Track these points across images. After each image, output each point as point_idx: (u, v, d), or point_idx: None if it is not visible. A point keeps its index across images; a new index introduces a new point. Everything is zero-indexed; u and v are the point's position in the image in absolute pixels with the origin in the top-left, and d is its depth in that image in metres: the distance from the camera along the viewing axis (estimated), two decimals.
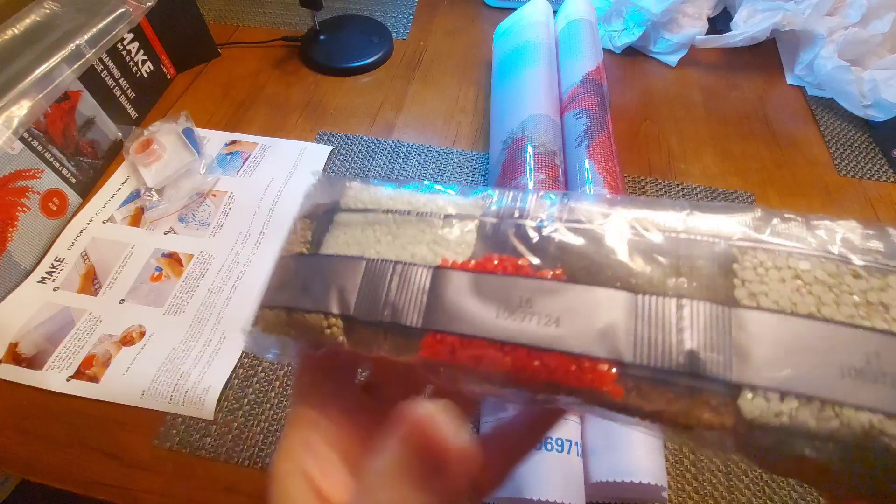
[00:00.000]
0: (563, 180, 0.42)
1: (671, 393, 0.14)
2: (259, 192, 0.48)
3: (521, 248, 0.17)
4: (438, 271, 0.17)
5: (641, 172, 0.51)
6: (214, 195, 0.48)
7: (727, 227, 0.16)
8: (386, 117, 0.56)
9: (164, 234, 0.45)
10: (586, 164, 0.41)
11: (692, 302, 0.15)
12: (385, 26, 0.65)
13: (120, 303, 0.41)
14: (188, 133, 0.50)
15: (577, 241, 0.17)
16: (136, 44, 0.53)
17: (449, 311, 0.16)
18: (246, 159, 0.51)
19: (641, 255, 0.16)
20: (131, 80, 0.53)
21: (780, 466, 0.14)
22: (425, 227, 0.18)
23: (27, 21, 0.46)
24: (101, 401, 0.37)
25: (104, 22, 0.48)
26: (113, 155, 0.51)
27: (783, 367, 0.14)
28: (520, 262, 0.17)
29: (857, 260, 0.14)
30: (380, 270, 0.18)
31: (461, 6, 0.70)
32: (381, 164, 0.51)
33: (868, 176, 0.52)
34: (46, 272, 0.43)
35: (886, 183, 0.51)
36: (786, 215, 0.16)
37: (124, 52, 0.52)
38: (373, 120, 0.56)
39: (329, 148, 0.52)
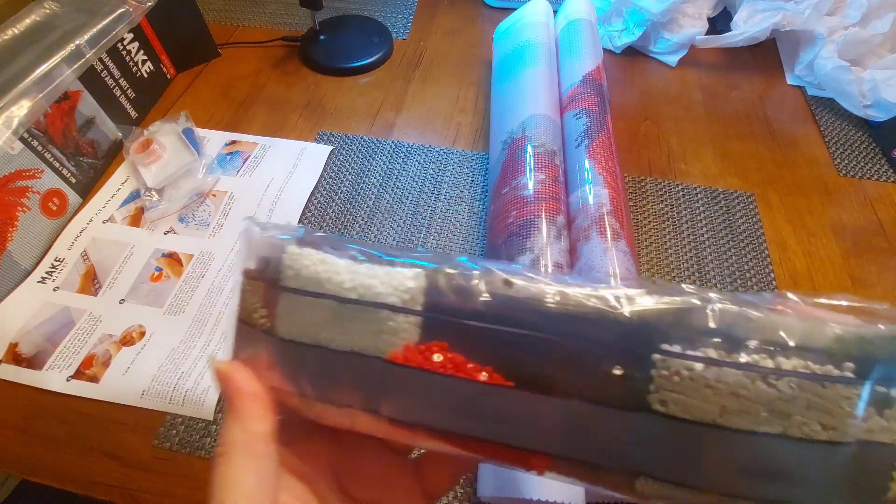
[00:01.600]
0: (562, 180, 0.42)
1: (585, 471, 0.17)
2: (259, 192, 0.48)
3: (464, 344, 0.17)
4: (386, 364, 0.17)
5: (641, 172, 0.51)
6: (214, 195, 0.48)
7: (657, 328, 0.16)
8: (386, 117, 0.56)
9: (164, 234, 0.45)
10: (586, 164, 0.41)
11: (608, 411, 0.16)
12: (385, 26, 0.65)
13: (120, 303, 0.41)
14: (188, 133, 0.50)
15: (520, 342, 0.17)
16: (136, 44, 0.53)
17: (403, 402, 0.17)
18: (246, 159, 0.51)
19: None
20: (131, 80, 0.53)
21: None
22: (370, 316, 0.17)
23: (27, 21, 0.46)
24: (101, 401, 0.37)
25: (104, 22, 0.48)
26: (113, 155, 0.51)
27: (672, 461, 0.16)
28: (465, 363, 0.17)
29: (783, 367, 0.15)
30: (334, 360, 0.18)
31: (461, 6, 0.70)
32: (381, 164, 0.51)
33: (868, 176, 0.52)
34: (46, 272, 0.43)
35: (886, 183, 0.51)
36: (716, 306, 0.16)
37: (124, 52, 0.52)
38: (373, 120, 0.56)
39: (329, 148, 0.52)
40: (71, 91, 0.46)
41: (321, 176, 0.50)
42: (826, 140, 0.55)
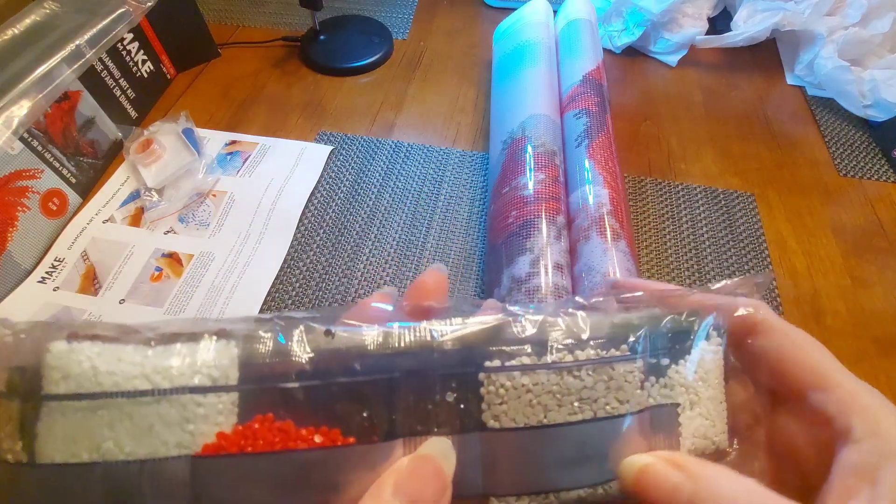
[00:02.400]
0: (562, 180, 0.42)
1: None
2: (259, 193, 0.48)
3: (293, 410, 0.15)
4: (199, 461, 0.14)
5: (641, 172, 0.51)
6: (214, 195, 0.48)
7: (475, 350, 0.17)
8: (386, 117, 0.56)
9: (164, 234, 0.45)
10: (586, 164, 0.41)
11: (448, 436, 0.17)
12: (385, 26, 0.65)
13: (120, 303, 0.41)
14: (188, 133, 0.50)
15: (344, 391, 0.16)
16: (136, 44, 0.53)
17: (228, 502, 0.14)
18: (246, 159, 0.51)
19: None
20: (131, 80, 0.53)
21: None
22: (171, 406, 0.14)
23: (27, 21, 0.46)
24: None
25: (104, 22, 0.48)
26: (113, 155, 0.51)
27: (513, 473, 0.16)
28: (295, 430, 0.15)
29: (580, 358, 0.17)
30: (124, 476, 0.14)
31: (461, 6, 0.70)
32: (381, 164, 0.51)
33: (868, 176, 0.52)
34: (46, 272, 0.43)
35: (886, 183, 0.51)
36: (525, 319, 0.17)
37: (124, 52, 0.52)
38: (373, 120, 0.56)
39: (329, 148, 0.52)
40: (71, 91, 0.46)
41: (321, 176, 0.50)
42: (826, 140, 0.55)
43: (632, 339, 0.17)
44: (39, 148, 0.43)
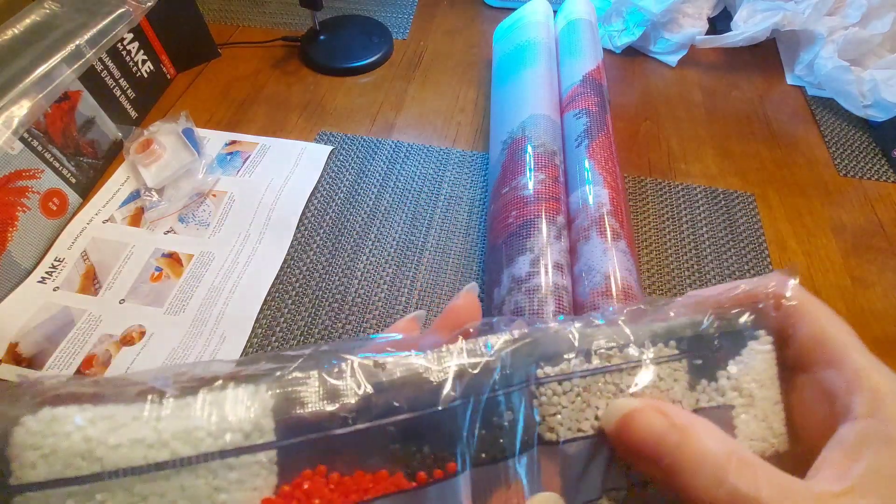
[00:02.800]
0: (562, 180, 0.42)
1: None
2: (259, 192, 0.48)
3: (334, 455, 0.13)
4: None
5: (641, 172, 0.51)
6: (214, 195, 0.48)
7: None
8: (386, 117, 0.56)
9: (164, 234, 0.45)
10: (586, 164, 0.41)
11: (511, 461, 0.16)
12: (385, 26, 0.65)
13: (120, 303, 0.41)
14: (188, 133, 0.50)
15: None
16: (136, 44, 0.53)
17: None
18: (246, 159, 0.51)
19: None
20: (131, 80, 0.53)
21: None
22: (194, 478, 0.12)
23: (27, 21, 0.46)
24: None
25: (104, 22, 0.48)
26: (113, 155, 0.51)
27: (579, 481, 0.16)
28: (344, 481, 0.13)
29: (627, 360, 0.17)
30: None
31: (461, 6, 0.70)
32: (381, 164, 0.51)
33: (868, 176, 0.52)
34: (46, 272, 0.43)
35: (886, 183, 0.51)
36: (568, 330, 0.17)
37: (124, 52, 0.52)
38: (373, 120, 0.56)
39: (329, 148, 0.52)
40: (71, 91, 0.46)
41: (321, 176, 0.50)
42: (826, 140, 0.55)
43: (674, 341, 0.17)
44: (39, 148, 0.43)
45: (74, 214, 0.46)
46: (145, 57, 0.54)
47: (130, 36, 0.52)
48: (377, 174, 0.51)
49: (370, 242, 0.45)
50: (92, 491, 0.11)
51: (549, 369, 0.16)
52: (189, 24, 0.58)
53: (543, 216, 0.38)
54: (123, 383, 0.13)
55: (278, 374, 0.13)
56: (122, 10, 0.49)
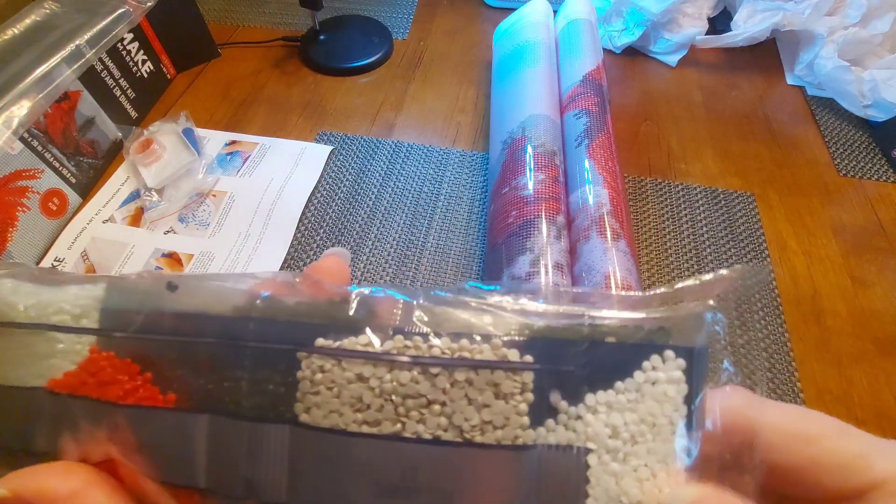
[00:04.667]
0: (562, 180, 0.42)
1: None
2: (259, 192, 0.48)
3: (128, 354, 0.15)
4: (47, 395, 0.15)
5: (641, 172, 0.51)
6: (214, 195, 0.48)
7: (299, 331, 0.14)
8: (386, 117, 0.56)
9: (164, 234, 0.45)
10: (586, 164, 0.41)
11: (259, 426, 0.14)
12: (385, 26, 0.65)
13: None
14: (188, 133, 0.50)
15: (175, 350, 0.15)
16: (136, 44, 0.53)
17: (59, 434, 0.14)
18: (246, 159, 0.51)
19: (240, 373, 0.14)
20: (131, 80, 0.53)
21: None
22: (41, 340, 0.15)
23: (27, 21, 0.46)
24: None
25: (104, 22, 0.48)
26: (113, 155, 0.51)
27: (317, 487, 0.13)
28: (119, 368, 0.15)
29: (435, 353, 0.13)
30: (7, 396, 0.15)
31: (461, 6, 0.70)
32: (381, 164, 0.51)
33: (868, 176, 0.52)
34: None
35: (886, 183, 0.51)
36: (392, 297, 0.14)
37: (124, 52, 0.52)
38: (373, 120, 0.56)
39: (329, 148, 0.52)
40: (71, 91, 0.46)
41: (321, 176, 0.50)
42: (826, 140, 0.55)
43: (523, 341, 0.13)
44: (39, 148, 0.43)
45: (74, 214, 0.46)
46: (145, 57, 0.54)
47: (130, 36, 0.52)
48: (377, 174, 0.51)
49: (370, 242, 0.45)
50: None
51: (330, 341, 0.13)
52: (189, 24, 0.58)
53: (543, 216, 0.38)
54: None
55: (117, 277, 0.16)
56: (122, 10, 0.49)
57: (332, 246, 0.45)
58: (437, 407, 0.13)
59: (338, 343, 0.13)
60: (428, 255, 0.45)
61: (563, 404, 0.13)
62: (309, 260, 0.44)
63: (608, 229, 0.37)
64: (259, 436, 0.14)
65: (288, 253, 0.44)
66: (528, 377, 0.13)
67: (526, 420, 0.13)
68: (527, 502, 0.13)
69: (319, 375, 0.13)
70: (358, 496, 0.13)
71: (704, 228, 0.47)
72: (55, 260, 0.43)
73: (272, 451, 0.13)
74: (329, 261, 0.17)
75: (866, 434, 0.13)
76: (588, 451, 0.13)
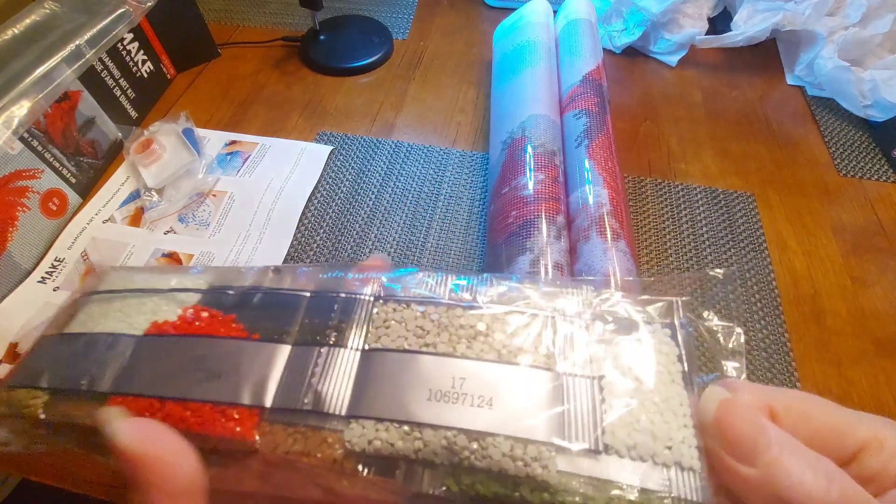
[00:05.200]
0: (562, 180, 0.42)
1: (299, 433, 0.16)
2: (259, 193, 0.48)
3: (218, 308, 0.19)
4: (143, 339, 0.18)
5: (641, 172, 0.51)
6: (214, 195, 0.48)
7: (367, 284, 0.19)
8: (386, 117, 0.56)
9: (164, 234, 0.45)
10: (586, 164, 0.41)
11: (331, 349, 0.17)
12: (385, 26, 0.65)
13: None
14: (188, 133, 0.50)
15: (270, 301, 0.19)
16: (136, 44, 0.53)
17: (139, 375, 0.17)
18: (246, 159, 0.51)
19: (312, 313, 0.18)
20: (131, 80, 0.53)
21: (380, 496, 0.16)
22: (148, 299, 0.20)
23: (27, 21, 0.46)
24: None
25: (104, 22, 0.48)
26: (113, 155, 0.51)
27: (377, 398, 0.16)
28: (215, 318, 0.18)
29: (477, 300, 0.18)
30: (92, 343, 0.18)
31: (461, 6, 0.70)
32: (381, 164, 0.51)
33: (868, 176, 0.52)
34: (46, 272, 0.43)
35: (886, 183, 0.51)
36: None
37: (124, 52, 0.52)
38: (373, 120, 0.56)
39: (329, 148, 0.52)
40: (71, 91, 0.46)
41: (321, 176, 0.50)
42: (826, 140, 0.55)
43: (543, 301, 0.18)
44: (39, 148, 0.43)
45: (74, 214, 0.46)
46: (145, 57, 0.54)
47: (130, 36, 0.52)
48: (377, 174, 0.51)
49: (370, 242, 0.45)
50: (109, 297, 0.21)
51: (399, 292, 0.18)
52: (189, 24, 0.58)
53: (543, 216, 0.38)
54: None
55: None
56: (122, 10, 0.49)
57: (332, 246, 0.45)
58: (481, 337, 0.17)
59: (409, 293, 0.18)
60: (428, 255, 0.45)
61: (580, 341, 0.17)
62: (309, 260, 0.44)
63: (608, 229, 0.37)
64: (333, 358, 0.17)
65: (288, 253, 0.44)
66: (544, 319, 0.17)
67: (552, 350, 0.17)
68: (552, 410, 0.15)
69: (392, 313, 0.17)
70: (413, 400, 0.16)
71: (704, 228, 0.47)
72: (55, 260, 0.43)
73: (341, 371, 0.16)
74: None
75: (847, 409, 0.16)
76: (602, 377, 0.16)
